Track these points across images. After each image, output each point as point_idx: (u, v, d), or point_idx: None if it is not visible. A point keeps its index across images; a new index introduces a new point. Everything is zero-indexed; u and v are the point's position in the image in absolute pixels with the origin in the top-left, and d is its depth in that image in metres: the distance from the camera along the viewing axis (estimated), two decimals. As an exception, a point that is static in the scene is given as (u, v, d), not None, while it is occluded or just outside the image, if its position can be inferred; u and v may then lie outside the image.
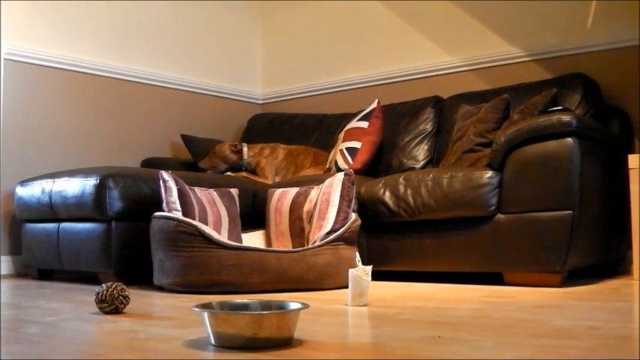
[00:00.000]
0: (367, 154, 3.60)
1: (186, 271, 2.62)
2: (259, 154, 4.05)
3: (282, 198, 3.23)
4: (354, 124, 3.72)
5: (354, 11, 4.58)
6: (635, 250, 2.84)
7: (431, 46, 4.20)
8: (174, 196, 2.86)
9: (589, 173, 2.70)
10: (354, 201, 2.97)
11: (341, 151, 3.63)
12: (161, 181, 2.88)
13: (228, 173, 3.97)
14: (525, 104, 3.17)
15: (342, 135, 3.75)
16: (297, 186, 3.28)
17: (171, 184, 2.88)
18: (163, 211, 2.82)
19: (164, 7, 4.49)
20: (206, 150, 4.15)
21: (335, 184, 2.97)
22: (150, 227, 2.81)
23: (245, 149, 4.07)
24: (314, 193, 3.11)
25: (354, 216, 2.95)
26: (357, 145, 3.58)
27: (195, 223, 2.70)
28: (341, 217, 2.89)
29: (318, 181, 3.20)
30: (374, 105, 3.73)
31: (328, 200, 2.94)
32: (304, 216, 3.09)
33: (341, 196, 2.92)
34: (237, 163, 4.03)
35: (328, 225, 2.87)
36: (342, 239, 2.84)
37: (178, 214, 2.79)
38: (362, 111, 3.80)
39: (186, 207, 2.89)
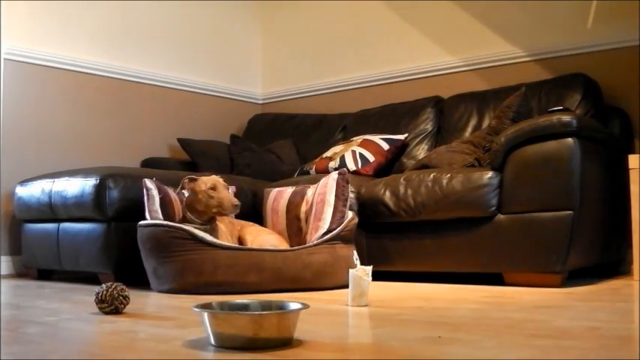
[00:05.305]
0: (372, 171, 3.61)
1: (182, 275, 2.62)
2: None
3: (278, 198, 3.23)
4: (377, 138, 3.71)
5: (354, 11, 4.58)
6: (636, 250, 2.84)
7: (431, 46, 4.20)
8: (157, 204, 2.84)
9: (589, 173, 2.70)
10: (349, 200, 2.97)
11: (353, 152, 3.63)
12: (144, 189, 2.87)
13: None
14: (500, 107, 3.19)
15: (359, 140, 3.74)
16: (293, 185, 3.28)
17: (154, 192, 2.87)
18: (146, 219, 2.80)
19: (164, 7, 4.49)
20: (204, 150, 4.15)
21: (330, 184, 2.96)
22: (137, 236, 2.79)
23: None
24: (310, 192, 3.10)
25: (350, 214, 2.95)
26: (371, 158, 3.60)
27: (187, 227, 2.69)
28: (337, 217, 2.89)
29: (313, 181, 3.19)
30: (403, 137, 3.73)
31: (324, 200, 2.93)
32: (302, 215, 3.08)
33: (336, 195, 2.92)
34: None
35: (325, 225, 2.87)
36: (339, 238, 2.84)
37: (160, 220, 2.77)
38: (390, 134, 3.79)
39: (168, 218, 2.86)
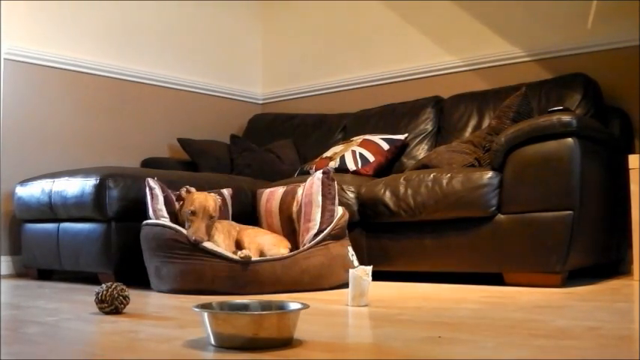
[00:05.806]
0: (372, 171, 3.61)
1: (183, 277, 2.62)
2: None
3: (270, 198, 3.22)
4: (377, 138, 3.71)
5: (354, 11, 4.58)
6: (636, 250, 2.84)
7: (431, 46, 4.20)
8: (161, 203, 2.84)
9: (589, 173, 2.70)
10: (345, 198, 2.95)
11: (353, 152, 3.64)
12: (147, 189, 2.87)
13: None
14: (500, 107, 3.19)
15: (359, 140, 3.75)
16: (284, 185, 3.28)
17: (158, 191, 2.87)
18: (150, 218, 2.81)
19: (164, 7, 4.49)
20: (204, 150, 4.15)
21: (315, 184, 2.95)
22: (141, 235, 2.79)
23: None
24: (300, 192, 3.09)
25: (340, 211, 2.94)
26: (371, 158, 3.61)
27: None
28: (327, 217, 2.88)
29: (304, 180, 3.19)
30: (403, 137, 3.73)
31: (311, 202, 2.92)
32: (294, 216, 3.07)
33: (323, 195, 2.91)
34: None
35: (315, 226, 2.86)
36: (330, 237, 2.84)
37: (166, 221, 2.78)
38: (390, 134, 3.79)
39: (171, 216, 2.86)
